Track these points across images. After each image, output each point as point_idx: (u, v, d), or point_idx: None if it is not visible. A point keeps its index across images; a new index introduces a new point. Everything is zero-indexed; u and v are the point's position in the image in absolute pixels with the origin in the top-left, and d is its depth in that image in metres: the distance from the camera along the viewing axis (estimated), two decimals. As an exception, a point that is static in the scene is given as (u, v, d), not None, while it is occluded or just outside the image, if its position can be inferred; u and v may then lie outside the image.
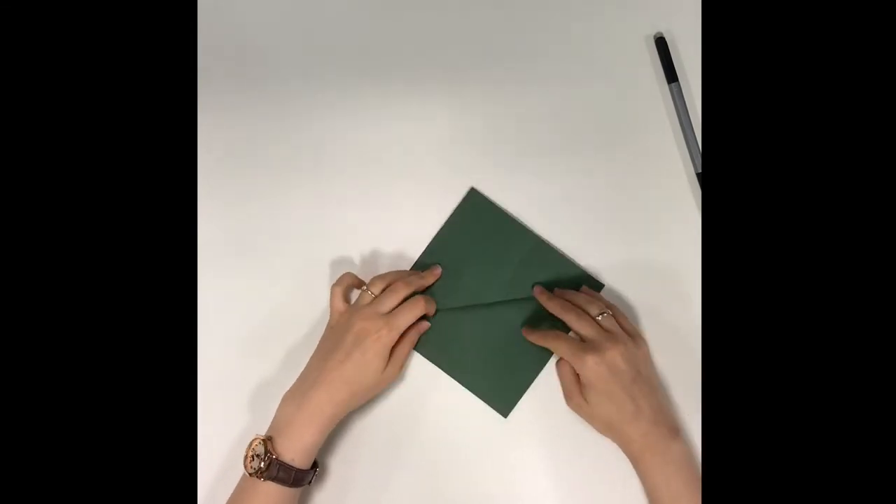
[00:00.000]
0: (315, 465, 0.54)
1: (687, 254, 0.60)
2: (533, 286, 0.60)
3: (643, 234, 0.62)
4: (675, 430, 0.52)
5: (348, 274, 0.60)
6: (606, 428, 0.54)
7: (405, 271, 0.61)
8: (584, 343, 0.54)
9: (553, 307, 0.57)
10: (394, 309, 0.56)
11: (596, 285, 0.61)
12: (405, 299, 0.57)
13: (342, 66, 0.66)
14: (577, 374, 0.54)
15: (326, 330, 0.58)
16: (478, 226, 0.62)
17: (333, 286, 0.59)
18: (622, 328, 0.55)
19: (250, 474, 0.50)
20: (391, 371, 0.56)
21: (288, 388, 0.55)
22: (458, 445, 0.59)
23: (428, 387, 0.60)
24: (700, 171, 0.61)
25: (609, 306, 0.57)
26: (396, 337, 0.55)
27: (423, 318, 0.59)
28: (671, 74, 0.63)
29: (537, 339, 0.57)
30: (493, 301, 0.61)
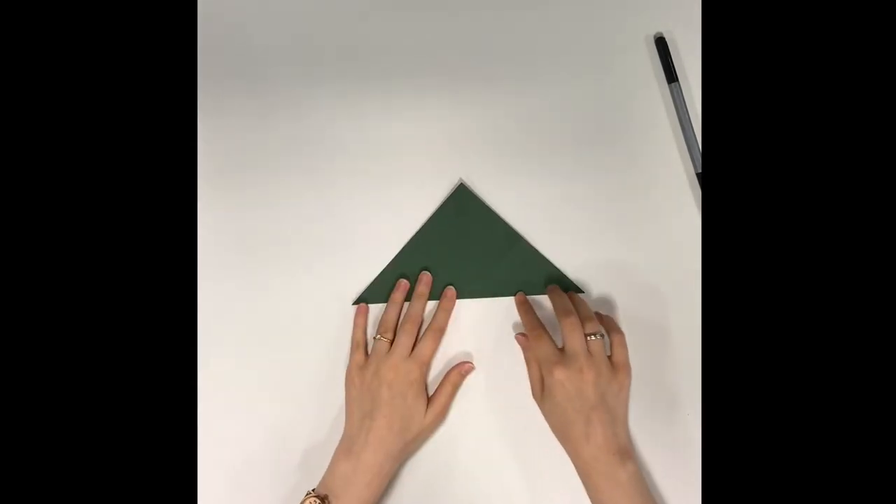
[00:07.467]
0: None
1: (687, 254, 0.60)
2: (547, 287, 0.60)
3: (643, 234, 0.62)
4: (625, 454, 0.51)
5: (363, 307, 0.61)
6: (557, 436, 0.54)
7: (404, 292, 0.61)
8: (562, 353, 0.53)
9: (557, 302, 0.56)
10: (413, 345, 0.57)
11: (576, 291, 0.60)
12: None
13: (342, 65, 0.66)
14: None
15: (352, 390, 0.57)
16: (463, 220, 0.62)
17: (356, 321, 0.60)
18: (610, 357, 0.54)
19: None
20: (437, 413, 0.57)
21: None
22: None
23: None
24: (700, 171, 0.61)
25: (612, 330, 0.56)
26: (428, 371, 0.58)
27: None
28: (671, 74, 0.63)
29: (527, 318, 0.57)
30: (470, 296, 0.61)
